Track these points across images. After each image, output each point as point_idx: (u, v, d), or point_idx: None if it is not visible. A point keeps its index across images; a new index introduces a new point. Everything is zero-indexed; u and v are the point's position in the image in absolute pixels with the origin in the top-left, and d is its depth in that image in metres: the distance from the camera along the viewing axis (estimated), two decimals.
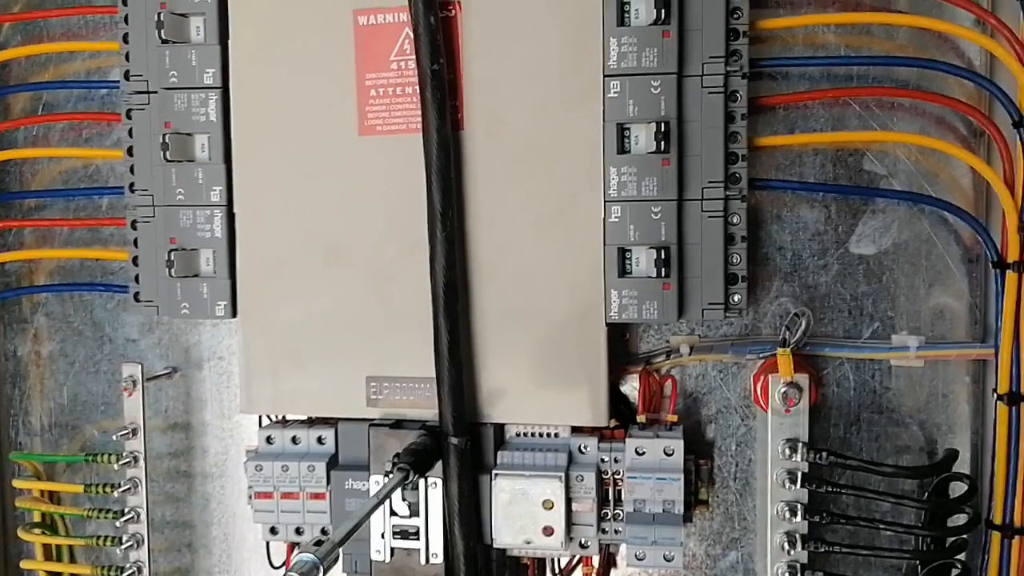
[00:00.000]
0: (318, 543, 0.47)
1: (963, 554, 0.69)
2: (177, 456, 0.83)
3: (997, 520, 0.67)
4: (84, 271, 0.83)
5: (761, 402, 0.70)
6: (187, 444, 0.83)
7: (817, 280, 0.72)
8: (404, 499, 0.66)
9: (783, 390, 0.67)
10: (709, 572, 0.76)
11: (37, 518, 0.84)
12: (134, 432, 0.76)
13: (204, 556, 0.84)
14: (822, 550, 0.68)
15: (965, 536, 0.68)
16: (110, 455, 0.77)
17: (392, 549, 0.67)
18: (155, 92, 0.70)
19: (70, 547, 0.84)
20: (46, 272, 0.84)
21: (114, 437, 0.76)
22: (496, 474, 0.66)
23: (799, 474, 0.67)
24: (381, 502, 0.57)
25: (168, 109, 0.69)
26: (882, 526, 0.68)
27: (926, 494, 0.69)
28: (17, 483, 0.82)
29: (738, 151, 0.64)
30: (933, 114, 0.70)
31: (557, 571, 0.75)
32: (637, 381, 0.73)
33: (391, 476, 0.60)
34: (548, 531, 0.65)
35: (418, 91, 0.64)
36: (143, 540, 0.77)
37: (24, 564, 0.82)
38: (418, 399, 0.68)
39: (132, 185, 0.72)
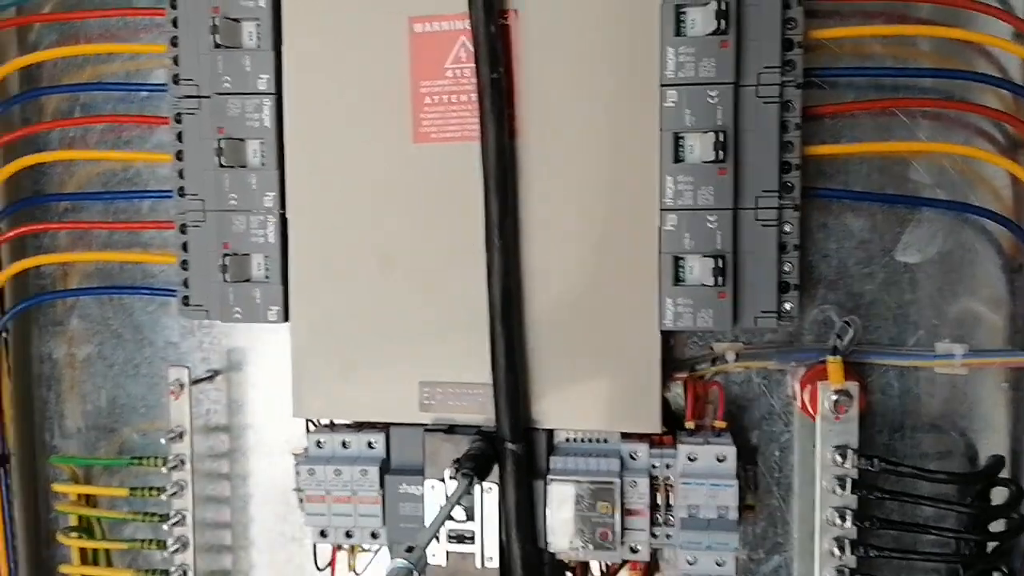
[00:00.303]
0: (409, 549, 0.48)
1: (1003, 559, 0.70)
2: (217, 458, 0.83)
3: None
4: (124, 274, 0.82)
5: (809, 409, 0.71)
6: (227, 447, 0.83)
7: (862, 288, 0.73)
8: (460, 503, 0.66)
9: (834, 397, 0.67)
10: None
11: (74, 522, 0.83)
12: (180, 435, 0.76)
13: (243, 558, 0.84)
14: (870, 555, 0.69)
15: (1007, 541, 0.69)
16: (157, 459, 0.77)
17: (448, 553, 0.67)
18: (206, 97, 0.70)
19: (107, 551, 0.84)
20: (79, 275, 0.84)
21: (162, 440, 0.76)
22: (551, 479, 0.66)
23: (848, 480, 0.68)
24: (452, 507, 0.57)
25: (221, 114, 0.69)
26: (932, 531, 0.69)
27: (969, 499, 0.70)
28: (58, 487, 0.82)
29: (791, 160, 0.65)
30: (975, 125, 0.71)
31: (602, 574, 0.76)
32: (680, 387, 0.73)
33: (457, 482, 0.61)
34: (603, 535, 0.66)
35: (474, 99, 0.65)
36: (188, 543, 0.77)
37: (64, 569, 0.82)
38: (471, 404, 0.68)
39: (182, 189, 0.72)
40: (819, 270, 0.73)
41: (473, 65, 0.65)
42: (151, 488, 0.78)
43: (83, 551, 0.83)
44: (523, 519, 0.66)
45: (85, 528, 0.83)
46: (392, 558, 0.49)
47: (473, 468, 0.62)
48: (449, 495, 0.66)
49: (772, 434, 0.76)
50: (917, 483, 0.70)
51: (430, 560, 0.68)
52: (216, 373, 0.82)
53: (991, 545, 0.70)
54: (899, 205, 0.72)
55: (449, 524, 0.67)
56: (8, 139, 0.78)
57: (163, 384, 0.83)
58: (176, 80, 0.71)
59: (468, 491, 0.64)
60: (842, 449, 0.68)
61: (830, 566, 0.69)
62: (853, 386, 0.68)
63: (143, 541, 0.79)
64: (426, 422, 0.69)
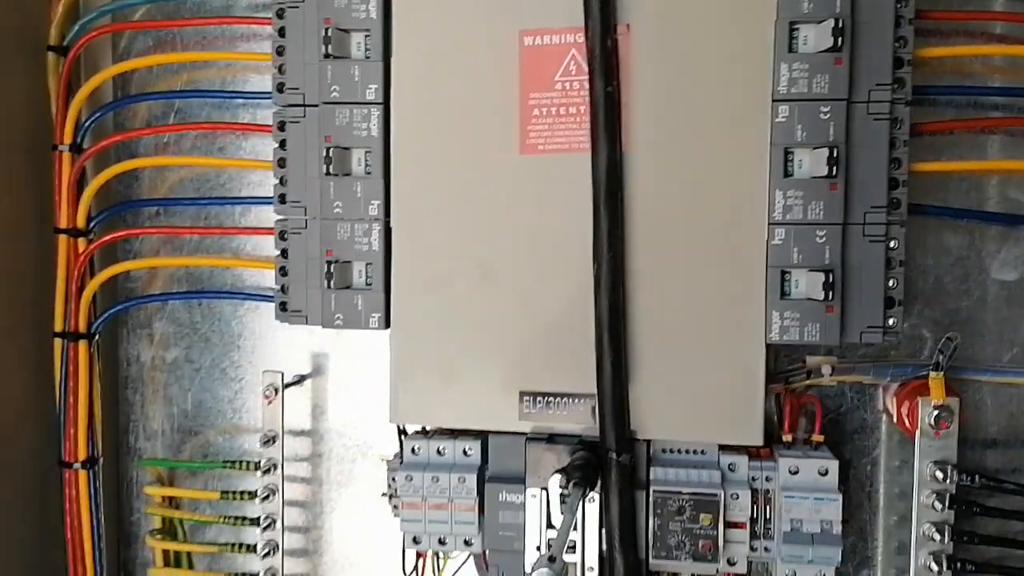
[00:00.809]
0: (551, 559, 0.49)
1: None
2: (300, 461, 0.84)
3: None
4: (213, 279, 0.83)
5: (907, 423, 0.71)
6: (310, 451, 0.84)
7: (958, 304, 0.73)
8: (562, 513, 0.66)
9: (935, 413, 0.68)
10: None
11: (158, 524, 0.84)
12: (273, 439, 0.77)
13: (328, 562, 0.85)
14: (968, 569, 0.69)
15: None
16: (249, 462, 0.78)
17: (531, 564, 0.67)
18: (313, 105, 0.70)
19: (188, 554, 0.85)
20: (166, 279, 0.85)
21: (258, 445, 0.77)
22: (655, 491, 0.67)
23: (947, 496, 0.68)
24: (574, 515, 0.58)
25: (328, 123, 0.70)
26: None
27: None
28: (150, 490, 0.82)
29: (899, 177, 0.65)
30: None
31: None
32: (773, 400, 0.74)
33: (567, 491, 0.61)
34: (706, 547, 0.66)
35: (583, 111, 0.65)
36: (278, 547, 0.78)
37: (153, 572, 0.83)
38: (570, 414, 0.69)
39: (283, 196, 0.72)
40: (916, 286, 0.73)
41: (583, 78, 0.66)
42: (243, 492, 0.78)
43: (165, 554, 0.84)
44: (626, 529, 0.66)
45: (168, 531, 0.84)
46: (534, 568, 0.49)
47: (582, 478, 0.63)
48: (552, 504, 0.67)
49: (864, 448, 0.76)
50: (1009, 499, 0.71)
51: (528, 570, 0.68)
52: (304, 378, 0.83)
53: None
54: (997, 223, 0.72)
55: (550, 533, 0.68)
56: (104, 144, 0.79)
57: (247, 387, 0.84)
58: (281, 89, 0.71)
59: (564, 500, 0.64)
60: (942, 465, 0.68)
61: None
62: (954, 402, 0.68)
63: (232, 545, 0.80)
64: (525, 431, 0.69)
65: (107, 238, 0.79)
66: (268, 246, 0.80)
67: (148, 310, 0.86)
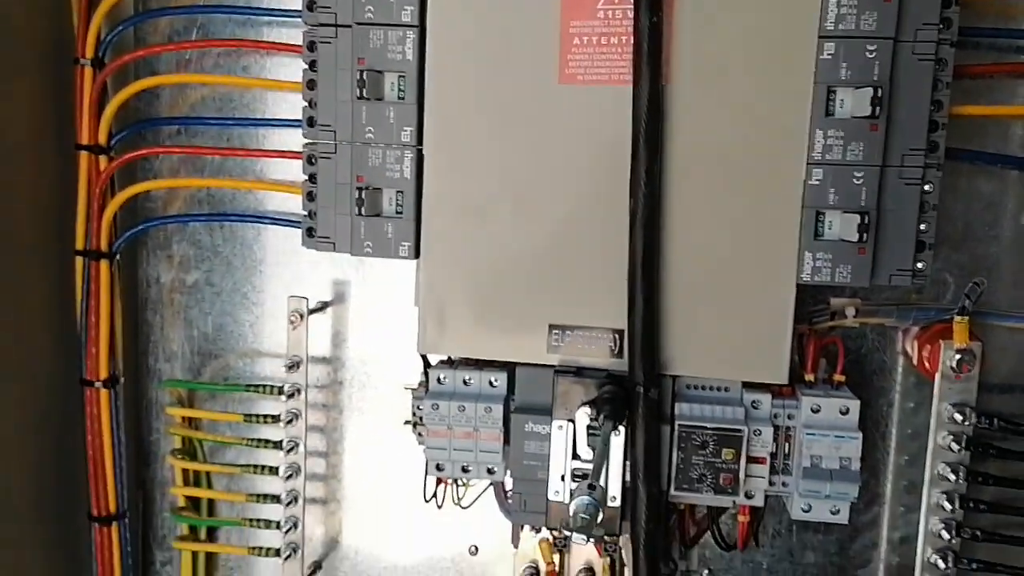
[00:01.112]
0: (591, 487, 0.50)
1: None
2: (320, 389, 0.85)
3: None
4: (234, 202, 0.82)
5: (927, 366, 0.72)
6: (330, 378, 0.85)
7: (987, 251, 0.74)
8: (589, 444, 0.68)
9: (958, 357, 0.69)
10: (847, 525, 0.79)
11: (177, 444, 0.85)
12: (297, 365, 0.77)
13: (348, 485, 0.86)
14: (980, 508, 0.71)
15: None
16: (272, 387, 0.79)
17: (571, 492, 0.69)
18: (345, 26, 0.69)
19: (207, 474, 0.86)
20: (185, 201, 0.84)
21: (278, 370, 0.77)
22: (680, 425, 0.68)
23: (964, 437, 0.70)
24: (607, 446, 0.59)
25: (363, 45, 0.68)
26: None
27: None
28: (172, 411, 0.83)
29: (939, 119, 0.65)
30: None
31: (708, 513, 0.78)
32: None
33: (602, 423, 0.62)
34: (727, 480, 0.68)
35: (628, 42, 0.64)
36: (300, 470, 0.79)
37: (174, 491, 0.84)
38: (599, 348, 0.69)
39: (312, 120, 0.71)
40: (943, 230, 0.73)
41: (626, 7, 0.64)
42: (266, 415, 0.79)
43: (184, 473, 0.85)
44: (651, 462, 0.67)
45: (188, 451, 0.85)
46: (575, 497, 0.50)
47: (612, 411, 0.63)
48: (578, 435, 0.68)
49: (881, 390, 0.77)
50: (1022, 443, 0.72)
51: (552, 497, 0.70)
52: (326, 304, 0.83)
53: None
54: None
55: (574, 464, 0.69)
56: (126, 59, 0.77)
57: (267, 312, 0.84)
58: (311, 7, 0.70)
59: (591, 432, 0.66)
60: (960, 407, 0.70)
61: (937, 517, 0.71)
62: (977, 346, 0.69)
63: (255, 467, 0.81)
64: (553, 363, 0.70)
65: (128, 156, 0.78)
66: (291, 170, 0.79)
67: (167, 231, 0.85)
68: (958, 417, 0.69)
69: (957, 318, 0.68)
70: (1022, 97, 0.72)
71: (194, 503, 0.85)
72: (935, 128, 0.65)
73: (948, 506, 0.70)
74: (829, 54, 0.63)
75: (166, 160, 0.83)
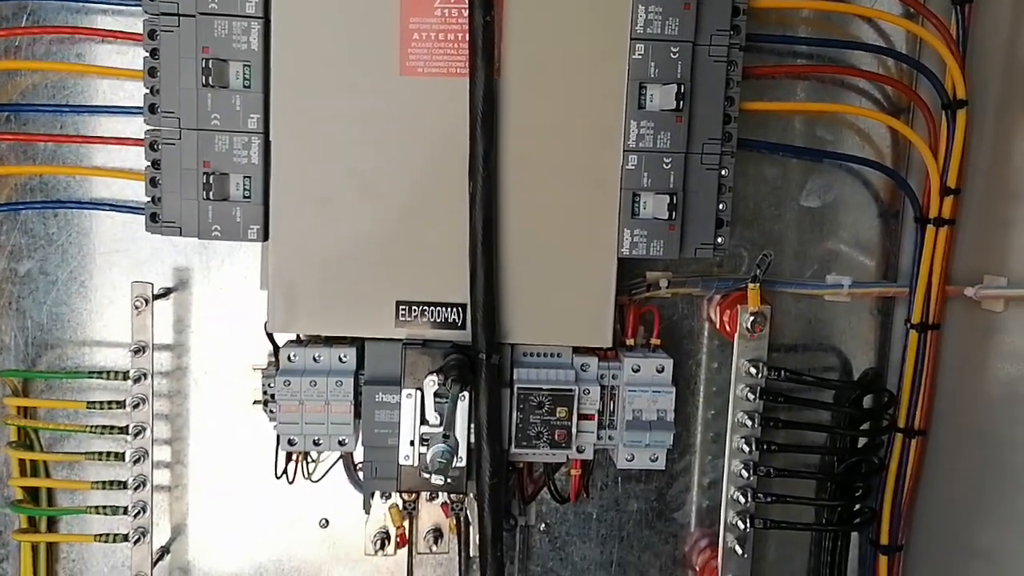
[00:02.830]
0: (445, 436, 0.56)
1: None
2: (164, 376, 0.85)
3: (901, 424, 0.84)
4: (68, 190, 0.81)
5: (727, 328, 0.82)
6: (174, 364, 0.85)
7: (772, 227, 0.85)
8: (436, 410, 0.73)
9: (751, 319, 0.79)
10: (663, 473, 0.89)
11: (14, 436, 0.83)
12: (143, 349, 0.78)
13: (195, 470, 0.87)
14: (772, 449, 0.82)
15: (875, 439, 0.85)
16: (118, 373, 0.79)
17: (420, 455, 0.74)
18: (188, 15, 0.70)
19: (44, 463, 0.84)
20: (16, 189, 0.82)
21: (128, 354, 0.77)
22: (519, 388, 0.74)
23: (758, 388, 0.81)
24: (455, 404, 0.65)
25: (207, 35, 0.70)
26: (821, 430, 0.84)
27: (846, 404, 0.85)
28: (9, 401, 0.81)
29: (732, 113, 0.75)
30: (869, 92, 0.85)
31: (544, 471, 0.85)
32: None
33: (450, 387, 0.68)
34: (561, 436, 0.75)
35: (463, 39, 0.70)
36: (147, 454, 0.79)
37: (12, 482, 0.82)
38: (443, 321, 0.75)
39: (153, 107, 0.72)
40: (736, 210, 0.84)
41: (461, 6, 0.70)
42: (111, 402, 0.79)
43: (21, 463, 0.83)
44: (493, 423, 0.73)
45: (24, 443, 0.83)
46: (432, 446, 0.56)
47: (458, 376, 0.69)
48: (426, 403, 0.73)
49: (690, 351, 0.87)
50: (805, 392, 0.85)
51: (402, 461, 0.74)
52: (169, 291, 0.83)
53: (862, 441, 0.86)
54: (805, 157, 0.84)
55: (423, 428, 0.74)
56: None
57: (104, 300, 0.84)
58: None
59: (438, 398, 0.72)
60: (755, 362, 0.81)
61: (738, 459, 0.82)
62: (766, 309, 0.80)
63: (99, 453, 0.80)
64: (401, 337, 0.75)
65: None
66: (128, 157, 0.80)
67: None
68: (753, 371, 0.80)
69: (750, 285, 0.79)
70: (799, 95, 0.84)
71: (32, 494, 0.83)
72: (728, 121, 0.75)
73: (746, 448, 0.81)
74: (640, 54, 0.72)
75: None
